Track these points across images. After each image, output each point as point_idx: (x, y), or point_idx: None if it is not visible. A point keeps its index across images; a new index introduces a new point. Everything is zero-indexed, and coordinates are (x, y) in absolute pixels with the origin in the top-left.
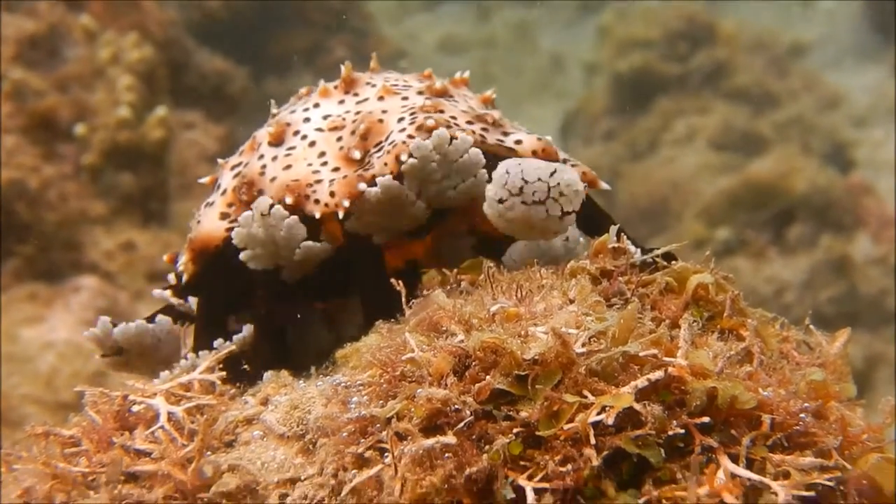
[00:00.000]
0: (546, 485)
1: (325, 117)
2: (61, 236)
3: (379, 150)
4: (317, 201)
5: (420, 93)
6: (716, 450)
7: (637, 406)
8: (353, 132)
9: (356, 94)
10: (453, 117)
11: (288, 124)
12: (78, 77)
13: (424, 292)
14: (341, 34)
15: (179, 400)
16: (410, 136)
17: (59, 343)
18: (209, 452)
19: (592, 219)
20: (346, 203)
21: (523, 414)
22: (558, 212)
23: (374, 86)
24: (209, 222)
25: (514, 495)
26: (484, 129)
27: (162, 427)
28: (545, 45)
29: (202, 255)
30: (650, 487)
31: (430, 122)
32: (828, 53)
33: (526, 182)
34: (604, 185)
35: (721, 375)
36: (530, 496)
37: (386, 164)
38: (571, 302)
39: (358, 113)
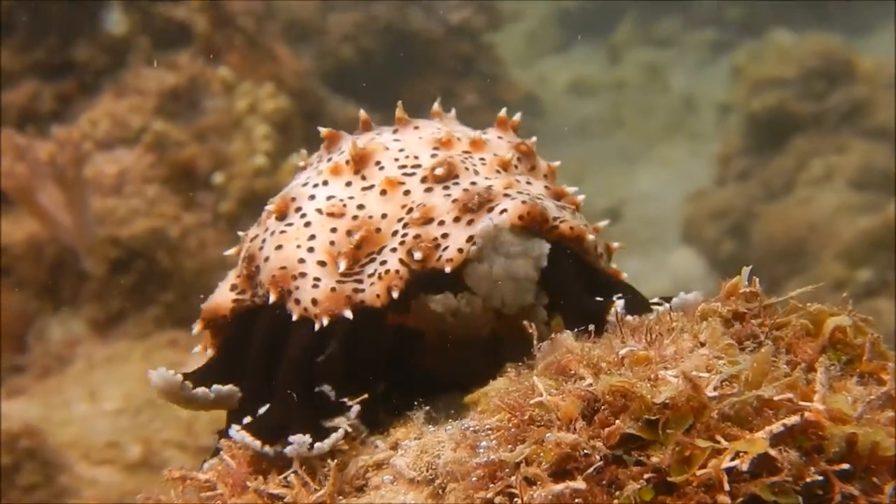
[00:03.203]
0: None
1: (329, 198)
2: (200, 283)
3: (371, 262)
4: (297, 301)
5: (424, 179)
6: (857, 498)
7: (772, 452)
8: (348, 232)
9: (364, 178)
10: (441, 222)
11: (293, 199)
12: (216, 127)
13: (553, 336)
14: (471, 79)
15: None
16: (402, 262)
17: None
18: (340, 497)
19: (590, 276)
20: (325, 321)
21: (654, 459)
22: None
23: (382, 168)
24: (220, 293)
25: None
26: (470, 221)
27: (295, 472)
28: (677, 86)
29: (213, 324)
30: None
31: (417, 256)
32: None
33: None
34: (591, 237)
35: (861, 421)
36: None
37: (378, 296)
38: (703, 345)
39: (360, 207)
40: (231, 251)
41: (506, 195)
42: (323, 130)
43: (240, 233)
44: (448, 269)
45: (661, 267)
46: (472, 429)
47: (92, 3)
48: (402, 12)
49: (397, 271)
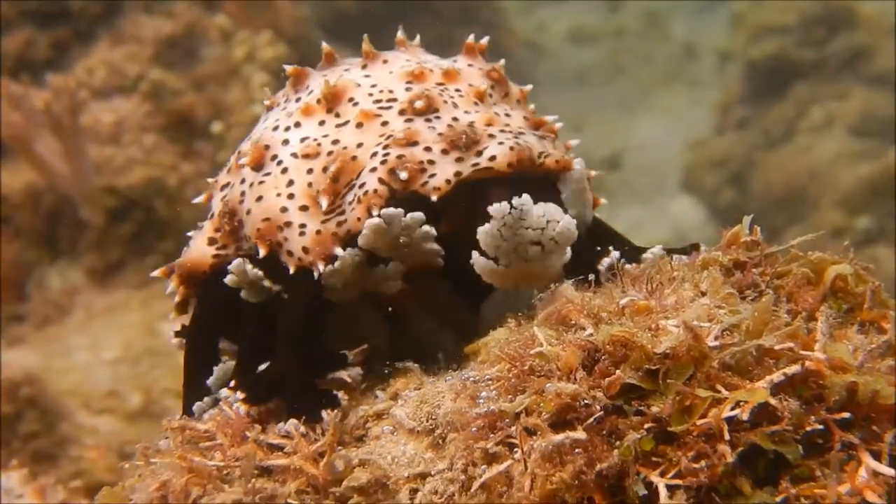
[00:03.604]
0: (679, 481)
1: (303, 140)
2: None
3: (350, 190)
4: (290, 253)
5: (402, 111)
6: (857, 446)
7: (773, 401)
8: (324, 168)
9: (337, 115)
10: (428, 148)
11: (267, 147)
12: (214, 76)
13: (553, 286)
14: (470, 27)
15: None
16: (382, 181)
17: None
18: (340, 447)
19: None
20: (322, 267)
21: (654, 409)
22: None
23: (356, 103)
24: (197, 247)
25: (645, 492)
26: (459, 159)
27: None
28: (677, 34)
29: (190, 280)
30: (788, 485)
31: (403, 176)
32: None
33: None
34: (577, 167)
35: (862, 369)
36: (663, 493)
37: (359, 219)
38: (703, 294)
39: (335, 142)
40: (200, 199)
41: (490, 136)
42: (288, 68)
43: (208, 180)
44: (434, 198)
45: (660, 215)
46: (472, 379)
47: None
48: None
49: (376, 191)
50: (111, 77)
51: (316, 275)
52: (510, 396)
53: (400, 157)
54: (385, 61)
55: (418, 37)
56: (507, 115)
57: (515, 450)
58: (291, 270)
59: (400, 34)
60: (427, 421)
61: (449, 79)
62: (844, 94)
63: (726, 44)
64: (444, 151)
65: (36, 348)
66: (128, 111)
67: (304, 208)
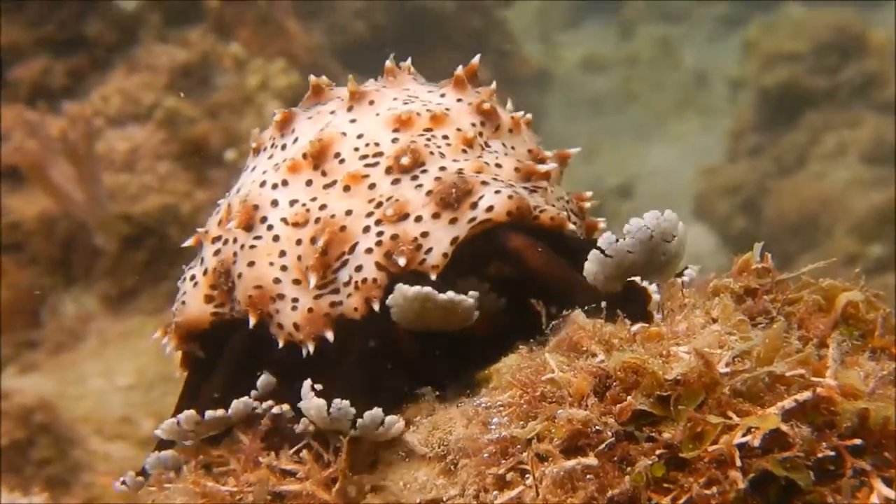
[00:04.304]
0: None
1: (292, 203)
2: None
3: (343, 266)
4: (280, 325)
5: (388, 170)
6: (869, 473)
7: (784, 427)
8: (312, 239)
9: (324, 174)
10: (419, 218)
11: (256, 207)
12: (228, 104)
13: (565, 312)
14: (484, 54)
15: None
16: (379, 266)
17: None
18: (352, 473)
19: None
20: (311, 347)
21: (666, 435)
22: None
23: (342, 160)
24: (195, 305)
25: None
26: (453, 220)
27: (308, 445)
28: (688, 61)
29: (189, 337)
30: None
31: (402, 262)
32: None
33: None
34: (571, 227)
35: (873, 396)
36: None
37: (356, 309)
38: (714, 321)
39: (322, 207)
40: (189, 242)
41: (483, 182)
42: (277, 114)
43: (198, 229)
44: (433, 277)
45: None
46: (483, 405)
47: None
48: None
49: (375, 280)
50: (126, 105)
51: (304, 353)
52: (522, 422)
53: (394, 237)
54: (371, 102)
55: (409, 59)
56: (498, 164)
57: (527, 476)
58: (280, 344)
59: (389, 63)
60: (439, 447)
61: (437, 123)
62: (856, 122)
63: (738, 71)
64: (436, 215)
65: (50, 374)
66: (142, 139)
67: (296, 282)
